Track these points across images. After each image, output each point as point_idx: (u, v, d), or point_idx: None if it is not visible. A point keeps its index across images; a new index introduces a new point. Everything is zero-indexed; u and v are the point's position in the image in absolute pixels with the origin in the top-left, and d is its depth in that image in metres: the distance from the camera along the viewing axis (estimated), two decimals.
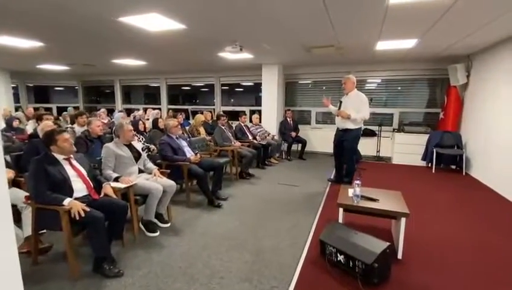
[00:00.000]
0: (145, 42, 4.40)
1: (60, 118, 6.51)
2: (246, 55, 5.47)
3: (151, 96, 9.98)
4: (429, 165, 5.56)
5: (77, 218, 2.01)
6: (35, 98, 10.92)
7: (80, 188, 2.26)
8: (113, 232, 2.36)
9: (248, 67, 7.12)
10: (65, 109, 8.43)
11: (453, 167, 5.58)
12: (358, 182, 2.45)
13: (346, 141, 4.14)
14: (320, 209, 3.52)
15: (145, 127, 4.39)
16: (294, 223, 3.10)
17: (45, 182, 2.10)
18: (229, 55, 5.38)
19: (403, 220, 2.24)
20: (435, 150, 5.35)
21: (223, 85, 8.44)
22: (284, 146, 6.67)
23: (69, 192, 2.18)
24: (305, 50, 4.97)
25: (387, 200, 2.50)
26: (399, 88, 6.70)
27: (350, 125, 4.07)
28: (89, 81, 10.28)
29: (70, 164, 2.31)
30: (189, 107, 9.04)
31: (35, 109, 8.98)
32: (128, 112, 6.80)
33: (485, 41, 4.31)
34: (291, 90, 7.73)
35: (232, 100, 8.90)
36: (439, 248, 2.58)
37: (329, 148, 6.17)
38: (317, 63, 6.56)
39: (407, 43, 4.38)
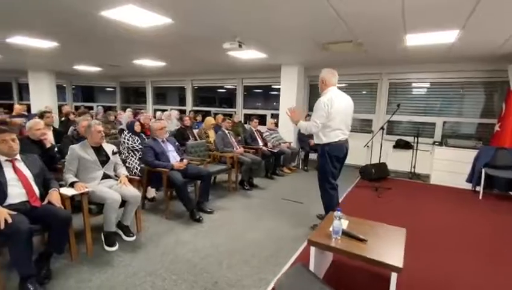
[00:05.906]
0: (138, 40, 4.22)
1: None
2: (258, 54, 5.03)
3: (184, 98, 10.02)
4: (476, 188, 4.49)
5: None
6: (82, 98, 11.91)
7: (17, 193, 2.06)
8: (53, 245, 2.13)
9: (269, 69, 6.65)
10: (108, 108, 8.97)
11: (511, 193, 4.42)
12: (339, 213, 1.85)
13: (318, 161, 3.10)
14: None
15: (142, 129, 4.19)
16: (275, 251, 2.57)
17: None
18: (242, 54, 5.01)
19: (394, 275, 1.59)
20: (483, 171, 4.27)
21: (250, 88, 8.15)
22: (302, 154, 6.06)
23: (1, 198, 1.98)
24: (320, 47, 4.36)
25: (380, 242, 1.85)
26: (445, 93, 5.62)
27: (316, 139, 3.07)
28: (125, 82, 10.80)
29: (14, 166, 2.13)
30: (213, 109, 8.89)
31: (77, 108, 9.71)
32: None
33: None
34: (317, 93, 7.04)
35: (260, 104, 8.52)
36: None
37: (355, 159, 5.45)
38: (342, 64, 5.81)
39: (446, 37, 3.52)
